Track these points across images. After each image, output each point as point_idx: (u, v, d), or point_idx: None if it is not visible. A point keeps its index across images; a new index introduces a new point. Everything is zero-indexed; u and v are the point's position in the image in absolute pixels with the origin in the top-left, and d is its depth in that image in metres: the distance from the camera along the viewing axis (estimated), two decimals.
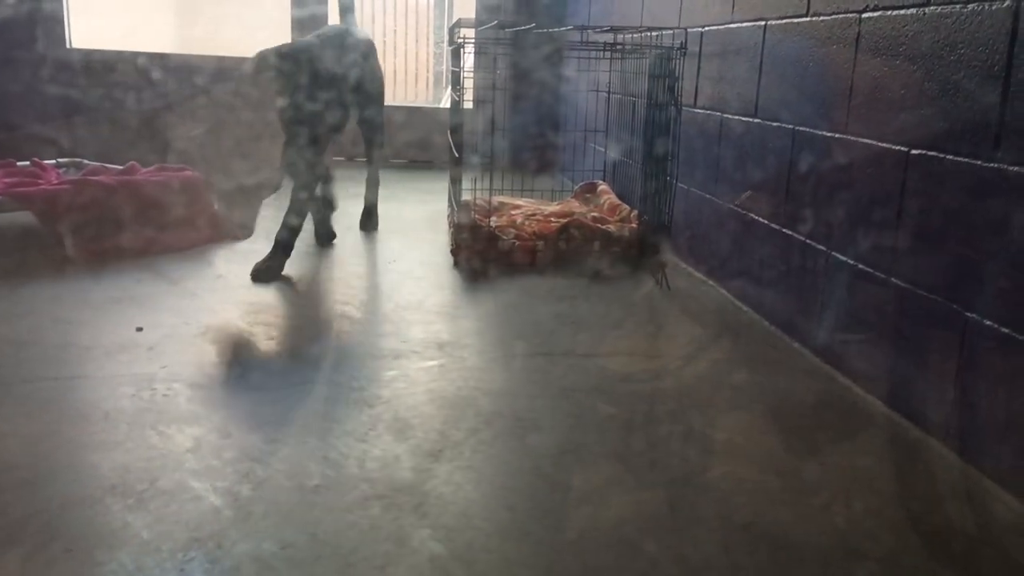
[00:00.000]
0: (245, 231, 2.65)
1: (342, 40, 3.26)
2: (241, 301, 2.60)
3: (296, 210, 2.94)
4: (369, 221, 3.73)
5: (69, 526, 1.39)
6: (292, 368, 2.13)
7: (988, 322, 1.66)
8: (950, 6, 1.78)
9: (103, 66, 5.30)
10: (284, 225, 2.91)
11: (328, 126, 3.04)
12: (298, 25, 5.54)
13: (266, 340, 2.29)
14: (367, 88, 3.43)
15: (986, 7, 1.68)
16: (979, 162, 1.70)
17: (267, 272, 2.83)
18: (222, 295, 2.66)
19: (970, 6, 1.72)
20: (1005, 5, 1.63)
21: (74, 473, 1.57)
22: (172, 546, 1.34)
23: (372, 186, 3.74)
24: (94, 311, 2.36)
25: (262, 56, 2.72)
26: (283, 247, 2.90)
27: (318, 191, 3.24)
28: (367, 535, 1.40)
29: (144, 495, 1.48)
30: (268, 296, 2.61)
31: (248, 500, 1.48)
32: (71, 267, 2.88)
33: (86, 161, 3.81)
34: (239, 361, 2.12)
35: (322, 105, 2.90)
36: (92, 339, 2.21)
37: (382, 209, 3.80)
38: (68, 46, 5.34)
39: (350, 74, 3.19)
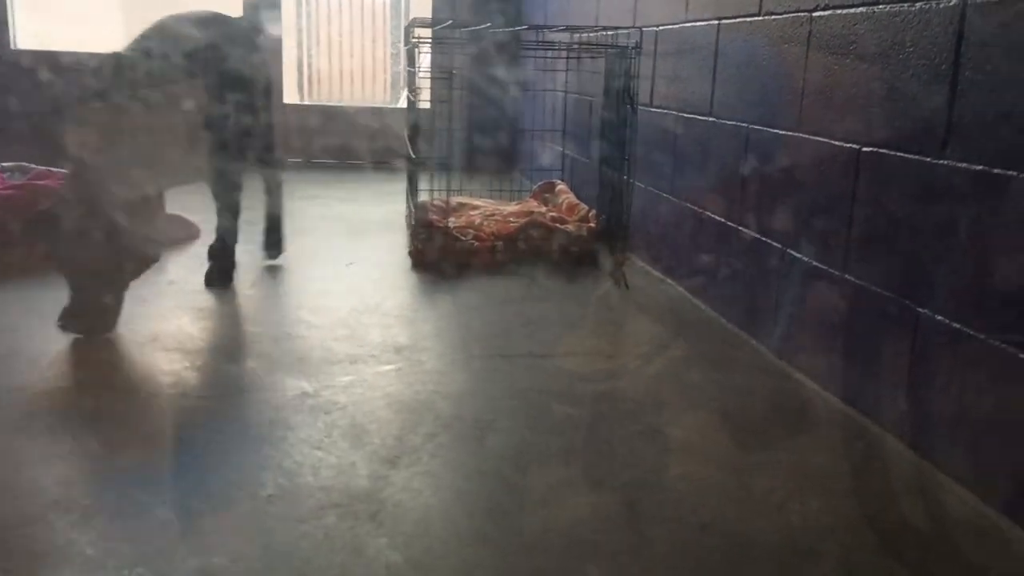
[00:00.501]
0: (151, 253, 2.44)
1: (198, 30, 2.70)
2: (193, 307, 2.55)
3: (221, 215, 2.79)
4: (272, 239, 3.11)
5: (8, 545, 1.34)
6: (245, 375, 2.09)
7: (939, 317, 1.68)
8: (898, 5, 1.80)
9: (50, 68, 5.17)
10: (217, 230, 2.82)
11: (196, 126, 2.58)
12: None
13: (218, 346, 2.24)
14: (244, 83, 2.83)
15: (933, 6, 1.70)
16: (928, 159, 1.71)
17: (222, 276, 2.77)
18: (173, 301, 2.61)
19: (918, 5, 1.74)
20: (952, 4, 1.65)
21: (14, 489, 1.52)
22: (118, 563, 1.30)
23: (273, 195, 3.11)
24: (41, 319, 2.29)
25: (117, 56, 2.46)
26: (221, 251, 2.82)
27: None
28: (322, 545, 1.37)
29: (88, 511, 1.43)
30: (221, 301, 2.56)
31: (197, 513, 1.45)
32: (17, 274, 2.80)
33: (31, 165, 3.71)
34: (190, 368, 2.08)
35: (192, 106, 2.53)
36: (39, 348, 2.14)
37: (340, 211, 3.74)
38: (13, 47, 5.21)
39: (211, 70, 2.67)
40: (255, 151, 3.02)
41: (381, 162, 5.64)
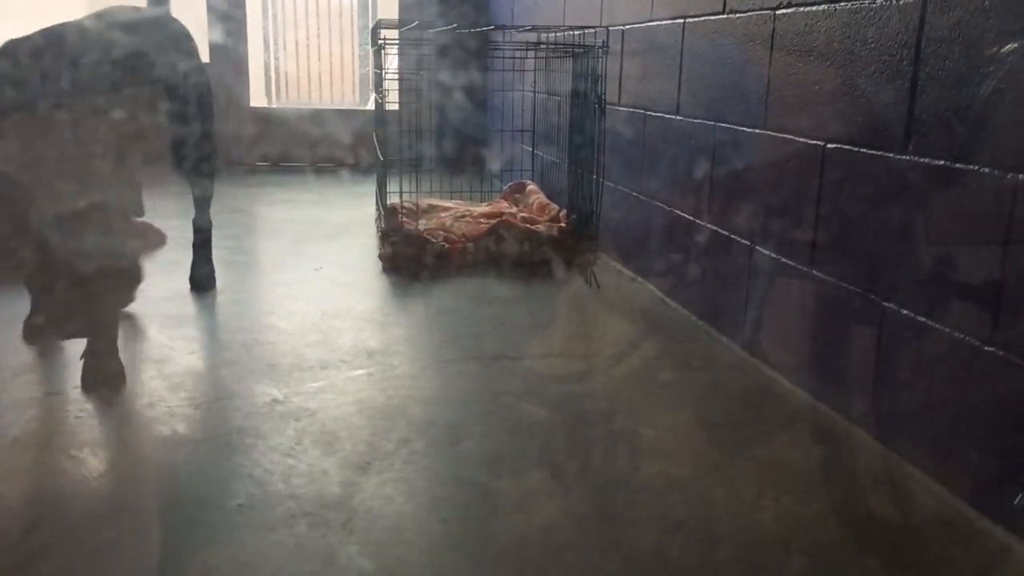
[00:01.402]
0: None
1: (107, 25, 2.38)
2: (161, 314, 2.52)
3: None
4: (200, 270, 2.83)
5: None
6: (214, 382, 2.07)
7: (904, 311, 1.70)
8: (859, 2, 1.81)
9: None
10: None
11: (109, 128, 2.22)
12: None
13: (187, 354, 2.21)
14: (171, 82, 2.53)
15: (894, 3, 1.71)
16: (891, 155, 1.73)
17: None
18: (141, 308, 2.57)
19: (878, 1, 1.76)
20: (912, 0, 1.66)
21: None
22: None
23: (201, 208, 2.81)
24: (3, 328, 2.26)
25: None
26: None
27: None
28: (293, 554, 1.36)
29: (55, 525, 1.41)
30: (189, 308, 2.53)
31: (167, 526, 1.43)
32: None
33: None
34: (158, 377, 2.05)
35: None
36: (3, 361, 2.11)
37: (310, 214, 3.69)
38: None
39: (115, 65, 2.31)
40: (189, 159, 2.75)
41: (351, 164, 5.61)
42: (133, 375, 2.05)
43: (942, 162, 1.59)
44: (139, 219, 3.12)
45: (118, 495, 1.51)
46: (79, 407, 1.87)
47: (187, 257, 2.82)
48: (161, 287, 2.78)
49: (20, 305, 2.43)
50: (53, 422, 1.79)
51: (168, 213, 3.46)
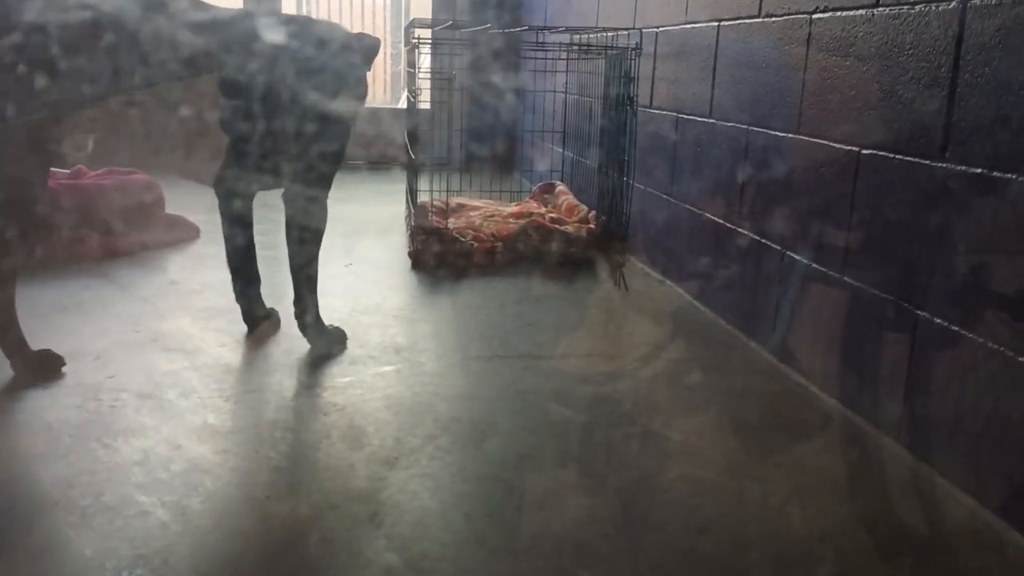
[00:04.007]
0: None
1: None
2: (193, 307, 2.55)
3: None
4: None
5: (8, 543, 1.34)
6: (244, 376, 2.09)
7: (938, 320, 1.68)
8: (898, 7, 1.80)
9: None
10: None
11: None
12: None
13: (218, 347, 2.24)
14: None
15: (933, 8, 1.70)
16: (927, 162, 1.71)
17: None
18: (174, 301, 2.61)
19: (917, 7, 1.74)
20: (952, 6, 1.65)
21: (14, 488, 1.52)
22: (117, 563, 1.30)
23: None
24: (39, 319, 2.29)
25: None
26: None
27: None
28: (320, 547, 1.37)
29: (88, 511, 1.43)
30: (221, 302, 2.56)
31: (197, 514, 1.45)
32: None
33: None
34: (190, 369, 2.08)
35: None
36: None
37: (340, 211, 3.69)
38: None
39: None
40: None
41: (381, 162, 5.64)
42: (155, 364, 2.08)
43: (980, 170, 1.58)
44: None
45: (146, 485, 1.53)
46: (113, 397, 1.89)
47: (217, 251, 2.85)
48: (193, 280, 2.81)
49: (51, 294, 2.47)
50: (87, 411, 1.82)
51: (198, 208, 3.51)
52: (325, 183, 2.21)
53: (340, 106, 2.14)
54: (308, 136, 2.11)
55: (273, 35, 2.04)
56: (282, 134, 2.10)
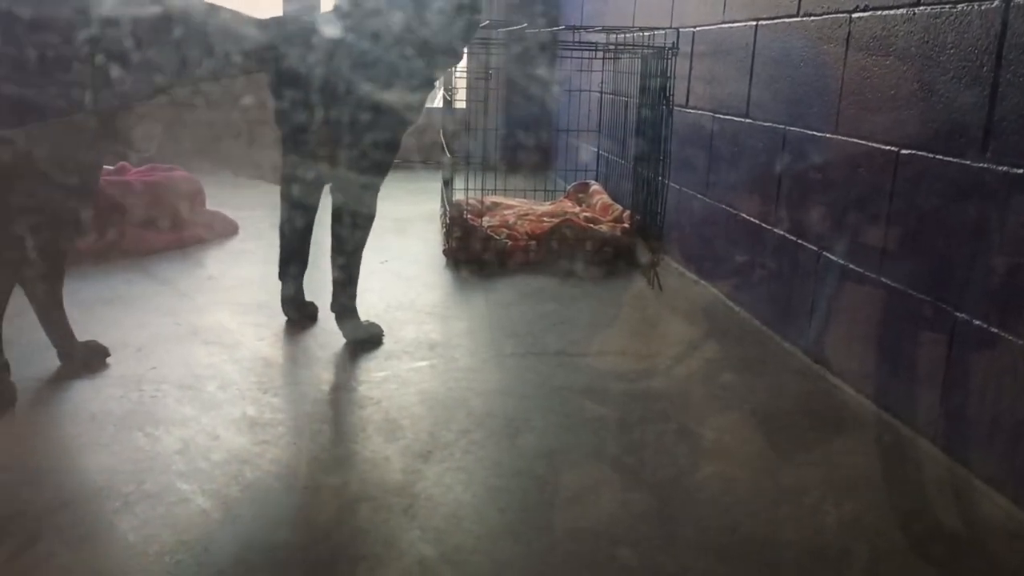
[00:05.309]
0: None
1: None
2: (232, 302, 2.59)
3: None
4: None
5: (53, 529, 1.38)
6: (282, 369, 2.12)
7: (977, 321, 1.66)
8: (940, 6, 1.78)
9: None
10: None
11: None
12: None
13: (256, 341, 2.28)
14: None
15: (975, 7, 1.68)
16: (967, 162, 1.70)
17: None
18: (213, 296, 2.65)
19: (959, 6, 1.72)
20: (994, 5, 1.63)
21: (59, 475, 1.56)
22: (159, 549, 1.33)
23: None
24: (83, 312, 2.35)
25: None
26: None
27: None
28: (356, 537, 1.39)
29: (130, 498, 1.47)
30: (259, 297, 2.60)
31: (236, 502, 1.48)
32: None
33: None
34: (229, 362, 2.11)
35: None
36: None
37: (377, 208, 3.73)
38: None
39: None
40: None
41: (417, 160, 5.67)
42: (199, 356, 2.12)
43: (1022, 170, 1.56)
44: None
45: (187, 473, 1.57)
46: (154, 388, 1.94)
47: (256, 247, 2.90)
48: (231, 276, 2.86)
49: (90, 289, 2.52)
50: (129, 401, 1.87)
51: (237, 204, 3.56)
52: (381, 171, 2.28)
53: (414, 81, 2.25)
54: (364, 124, 2.18)
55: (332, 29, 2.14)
56: (337, 122, 2.16)
